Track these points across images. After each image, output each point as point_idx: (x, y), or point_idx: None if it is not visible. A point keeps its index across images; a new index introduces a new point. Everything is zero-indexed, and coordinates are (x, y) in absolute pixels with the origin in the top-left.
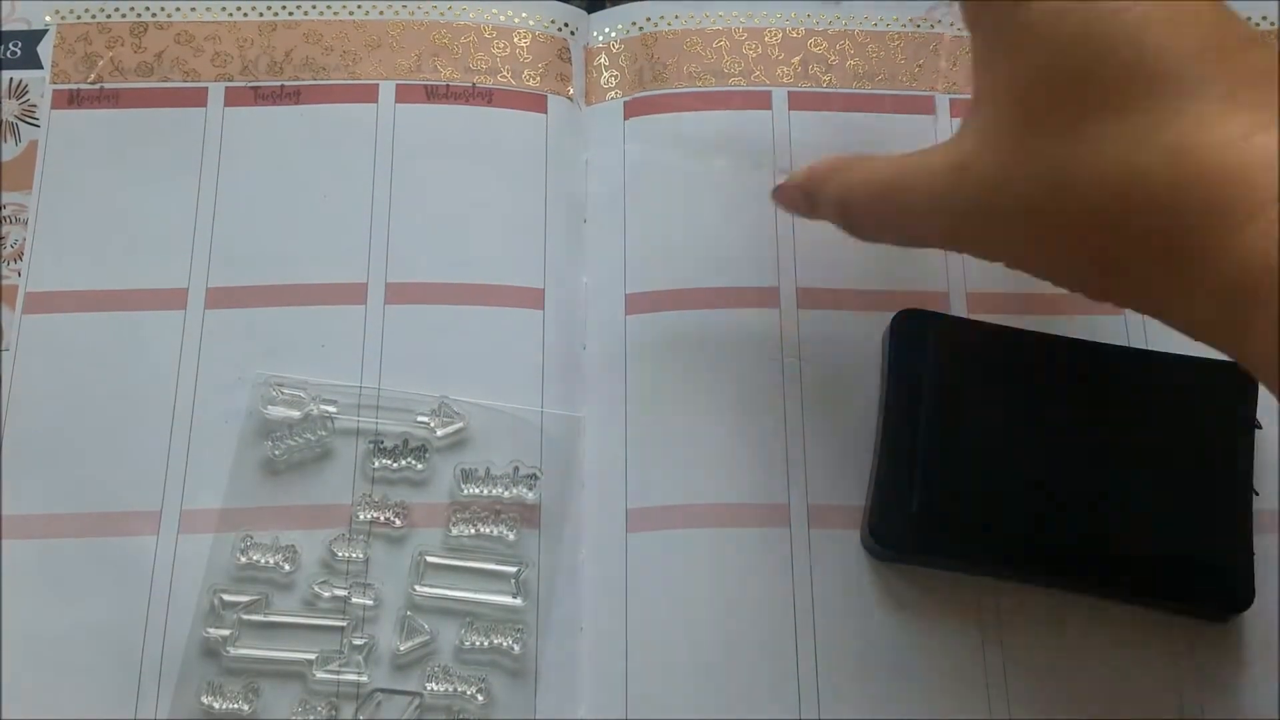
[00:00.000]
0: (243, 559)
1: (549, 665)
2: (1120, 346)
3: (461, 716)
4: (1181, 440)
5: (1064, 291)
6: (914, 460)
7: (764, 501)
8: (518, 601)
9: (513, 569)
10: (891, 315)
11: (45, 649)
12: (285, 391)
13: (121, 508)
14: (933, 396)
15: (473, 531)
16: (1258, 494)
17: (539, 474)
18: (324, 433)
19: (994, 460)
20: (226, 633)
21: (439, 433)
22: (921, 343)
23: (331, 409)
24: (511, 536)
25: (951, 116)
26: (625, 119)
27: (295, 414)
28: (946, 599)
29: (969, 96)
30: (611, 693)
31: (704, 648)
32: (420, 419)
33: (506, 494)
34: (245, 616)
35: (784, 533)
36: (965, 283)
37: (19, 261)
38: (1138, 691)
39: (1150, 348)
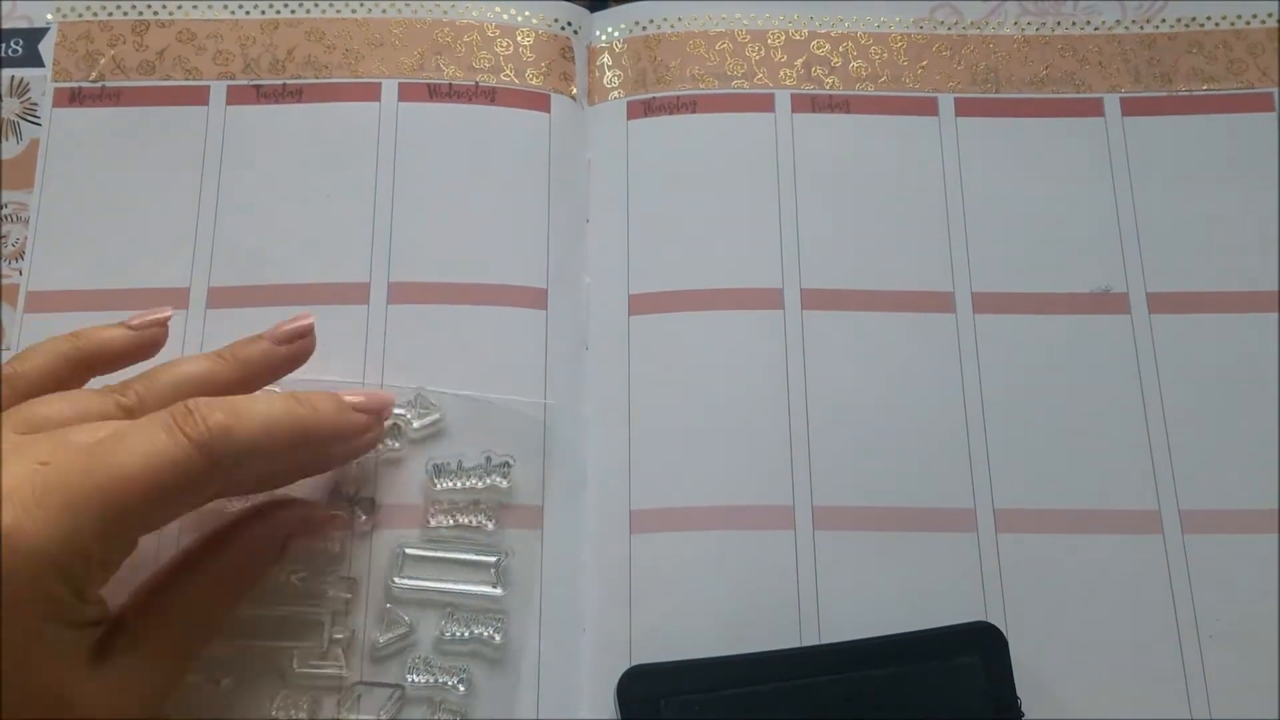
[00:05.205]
0: None
1: (551, 665)
2: (856, 641)
3: (443, 708)
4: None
5: (1066, 290)
6: None
7: (768, 503)
8: (497, 591)
9: (492, 558)
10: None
11: None
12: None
13: None
14: None
15: (451, 522)
16: None
17: (512, 461)
18: None
19: None
20: None
21: (415, 424)
22: (654, 705)
23: None
24: (490, 525)
25: (956, 116)
26: (628, 119)
27: None
28: (952, 599)
29: (974, 96)
30: (614, 693)
31: (709, 651)
32: (397, 410)
33: (481, 484)
34: None
35: (788, 535)
36: (970, 282)
37: (20, 260)
38: None
39: (1157, 351)
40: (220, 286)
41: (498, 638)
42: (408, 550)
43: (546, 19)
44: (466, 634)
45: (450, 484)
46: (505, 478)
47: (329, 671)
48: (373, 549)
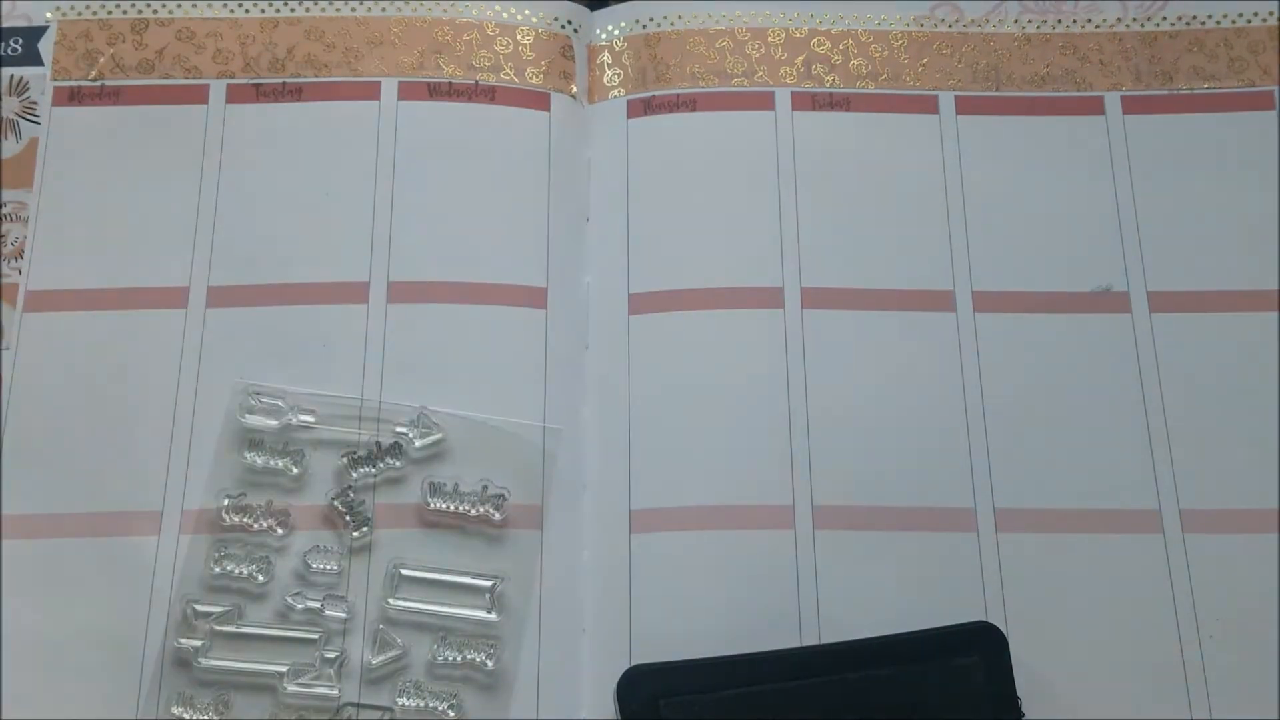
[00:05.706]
0: (216, 569)
1: (550, 665)
2: (856, 641)
3: None
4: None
5: (1066, 289)
6: None
7: (768, 503)
8: (492, 616)
9: (488, 583)
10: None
11: (47, 649)
12: (263, 400)
13: (122, 507)
14: None
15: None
16: None
17: (507, 494)
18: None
19: None
20: (198, 643)
21: (417, 444)
22: (653, 705)
23: (309, 419)
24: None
25: (957, 114)
26: (628, 118)
27: (273, 423)
28: (952, 599)
29: (974, 94)
30: (614, 693)
31: (709, 652)
32: (399, 430)
33: (473, 511)
34: (217, 627)
35: (788, 535)
36: (971, 281)
37: (19, 259)
38: None
39: (1158, 351)
40: (220, 286)
41: (490, 664)
42: (403, 571)
43: (546, 17)
44: (459, 658)
45: (443, 505)
46: (499, 510)
47: (320, 691)
48: (370, 569)
